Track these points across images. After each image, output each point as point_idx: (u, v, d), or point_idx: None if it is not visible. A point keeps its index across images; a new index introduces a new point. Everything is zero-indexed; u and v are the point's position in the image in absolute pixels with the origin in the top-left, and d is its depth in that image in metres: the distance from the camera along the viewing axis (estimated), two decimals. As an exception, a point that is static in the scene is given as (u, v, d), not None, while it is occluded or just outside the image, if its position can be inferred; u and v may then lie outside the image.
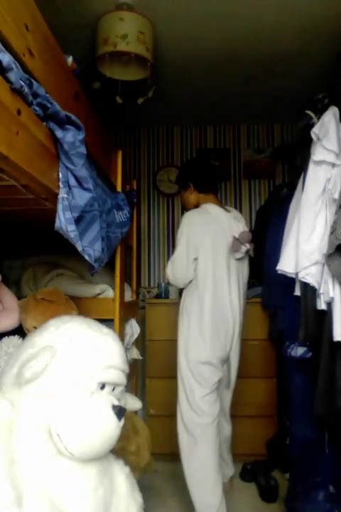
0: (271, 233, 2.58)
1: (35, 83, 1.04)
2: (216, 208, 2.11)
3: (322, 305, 1.69)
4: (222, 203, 2.30)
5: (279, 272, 1.83)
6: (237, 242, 2.04)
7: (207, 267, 1.99)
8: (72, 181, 1.24)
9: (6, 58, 0.88)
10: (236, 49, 2.39)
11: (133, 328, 2.22)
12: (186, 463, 1.96)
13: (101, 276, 1.92)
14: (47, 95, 1.10)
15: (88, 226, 1.34)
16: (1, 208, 1.47)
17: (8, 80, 0.90)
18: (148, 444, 1.57)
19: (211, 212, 2.08)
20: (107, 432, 1.06)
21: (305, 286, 1.76)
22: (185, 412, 1.98)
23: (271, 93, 2.89)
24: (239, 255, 2.08)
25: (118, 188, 1.97)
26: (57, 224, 1.20)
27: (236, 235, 2.05)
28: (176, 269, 2.04)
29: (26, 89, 0.99)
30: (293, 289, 1.86)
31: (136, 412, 1.72)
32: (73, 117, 1.21)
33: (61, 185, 1.21)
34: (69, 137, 1.18)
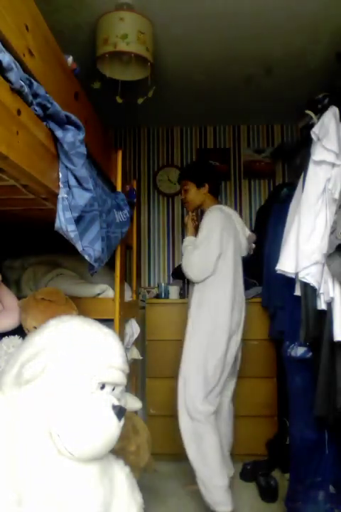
0: (271, 233, 2.58)
1: (35, 83, 1.04)
2: (231, 210, 2.34)
3: (322, 305, 1.69)
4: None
5: (278, 271, 1.83)
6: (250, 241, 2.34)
7: (231, 263, 2.15)
8: (72, 181, 1.24)
9: (6, 58, 0.88)
10: (236, 49, 2.39)
11: (133, 328, 2.22)
12: (193, 447, 1.98)
13: (101, 276, 1.91)
14: (47, 95, 1.10)
15: (88, 226, 1.34)
16: (1, 207, 1.47)
17: (8, 80, 0.90)
18: (148, 444, 1.57)
19: (230, 214, 2.27)
20: (107, 432, 1.06)
21: (305, 286, 1.76)
22: (190, 396, 2.00)
23: (270, 93, 2.89)
24: (248, 253, 2.36)
25: (118, 188, 1.97)
26: (57, 224, 1.20)
27: (246, 235, 2.32)
28: (205, 264, 2.11)
29: (26, 89, 0.99)
30: (293, 289, 1.86)
31: (136, 412, 1.72)
32: (73, 117, 1.21)
33: (61, 185, 1.21)
34: (69, 137, 1.18)
